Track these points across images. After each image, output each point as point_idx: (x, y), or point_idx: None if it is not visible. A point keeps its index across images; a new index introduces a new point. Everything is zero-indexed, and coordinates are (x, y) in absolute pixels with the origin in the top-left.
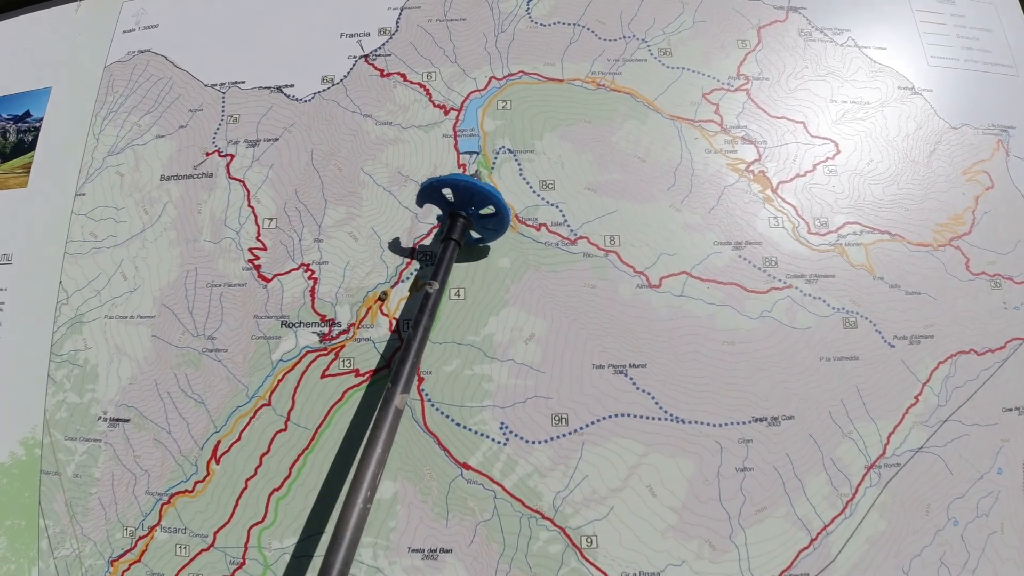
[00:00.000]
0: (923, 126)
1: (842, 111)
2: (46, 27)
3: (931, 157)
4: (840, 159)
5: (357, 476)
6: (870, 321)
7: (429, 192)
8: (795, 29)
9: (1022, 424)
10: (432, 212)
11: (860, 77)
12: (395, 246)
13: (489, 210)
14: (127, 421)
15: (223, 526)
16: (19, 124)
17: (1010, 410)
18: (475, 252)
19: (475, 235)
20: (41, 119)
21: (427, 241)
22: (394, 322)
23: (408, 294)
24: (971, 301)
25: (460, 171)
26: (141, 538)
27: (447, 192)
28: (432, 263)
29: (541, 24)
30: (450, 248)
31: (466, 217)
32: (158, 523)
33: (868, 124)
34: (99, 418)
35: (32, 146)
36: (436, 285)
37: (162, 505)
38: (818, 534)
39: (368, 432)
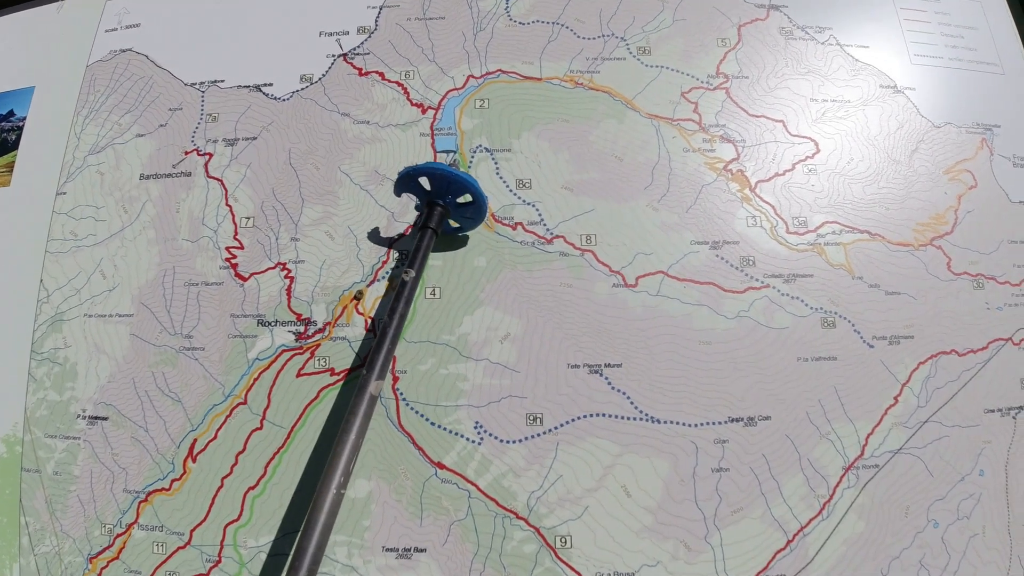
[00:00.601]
0: (905, 125)
1: (822, 110)
2: (28, 27)
3: (913, 156)
4: (820, 158)
5: (331, 462)
6: (849, 321)
7: (406, 181)
8: (776, 27)
9: (1005, 425)
10: (409, 211)
11: (841, 76)
12: (371, 245)
13: (466, 199)
14: (105, 419)
15: (199, 524)
16: (3, 123)
17: (992, 411)
18: (454, 242)
19: (453, 224)
20: (24, 118)
21: (404, 240)
22: (370, 321)
23: (384, 293)
24: (953, 301)
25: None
26: (119, 535)
27: (424, 181)
28: (402, 262)
29: (520, 22)
30: (427, 236)
31: (443, 206)
32: (135, 521)
33: (849, 123)
34: (78, 416)
35: (15, 145)
36: (412, 273)
37: (139, 503)
38: (795, 535)
39: (343, 419)
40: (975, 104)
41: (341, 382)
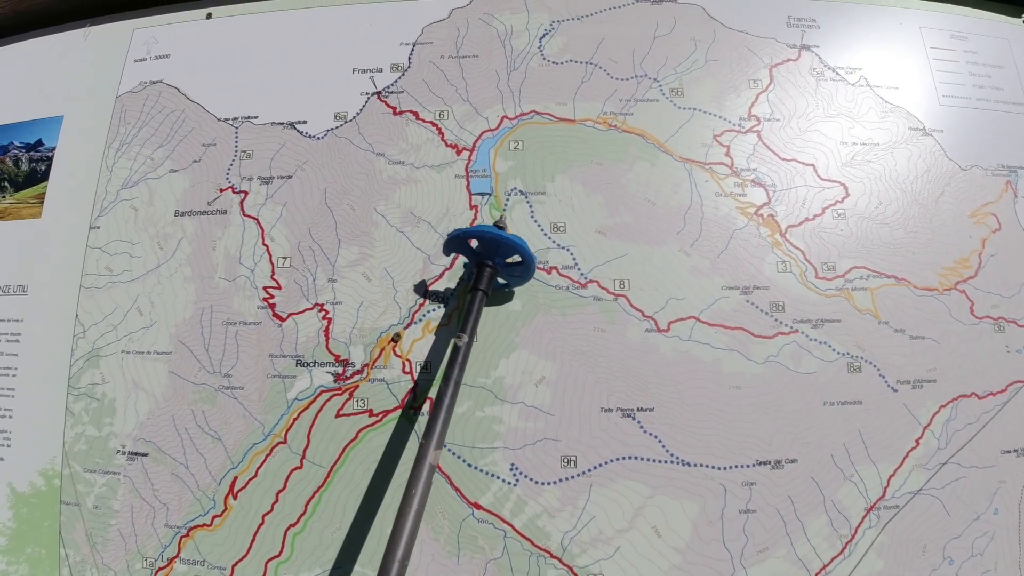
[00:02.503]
0: (932, 168)
1: (852, 153)
2: (56, 53)
3: (939, 200)
4: (849, 202)
5: (394, 534)
6: (874, 366)
7: (456, 242)
8: (807, 68)
9: (1020, 466)
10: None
11: (871, 118)
12: (408, 287)
13: (515, 259)
14: (145, 455)
15: (241, 559)
16: (32, 153)
17: (1008, 452)
18: (500, 297)
19: (501, 281)
20: (54, 148)
21: (440, 283)
22: (407, 363)
23: (421, 336)
24: (974, 345)
25: (473, 212)
26: (160, 569)
27: (472, 242)
28: (443, 304)
29: (553, 62)
30: (478, 298)
31: (492, 266)
32: (177, 555)
33: (878, 166)
34: (117, 451)
35: (45, 176)
36: (465, 338)
37: (181, 538)
38: (817, 574)
39: (404, 490)
40: (1000, 145)
41: (380, 423)
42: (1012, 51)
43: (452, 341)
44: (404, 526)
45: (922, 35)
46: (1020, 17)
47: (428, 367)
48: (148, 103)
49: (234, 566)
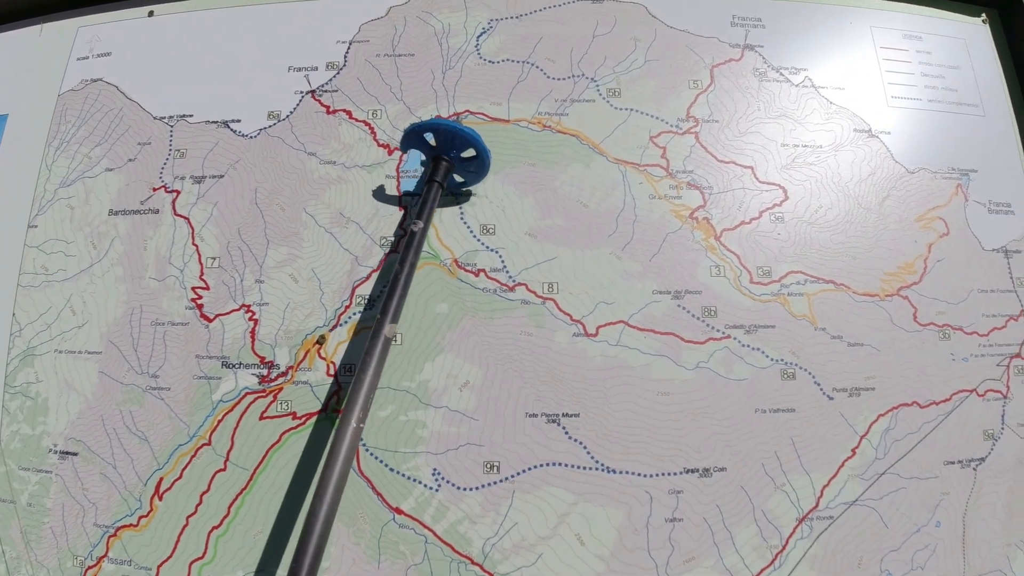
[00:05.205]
0: (877, 171)
1: (793, 155)
2: (4, 52)
3: (884, 203)
4: (788, 206)
5: (350, 398)
6: (809, 373)
7: (412, 137)
8: (750, 68)
9: (965, 477)
10: (373, 255)
11: (815, 119)
12: (334, 289)
13: (470, 153)
14: (75, 455)
15: (166, 560)
16: None
17: (953, 463)
18: (458, 197)
19: (458, 179)
20: None
21: (366, 285)
22: (331, 366)
23: (347, 338)
24: (917, 352)
25: (402, 213)
26: (90, 568)
27: (429, 137)
28: (369, 306)
29: (490, 61)
30: (433, 189)
31: (448, 160)
32: (105, 554)
33: (819, 169)
34: (50, 450)
35: None
36: (420, 224)
37: (109, 537)
38: None
39: (360, 359)
40: (952, 148)
41: (303, 426)
42: (969, 51)
43: (408, 227)
44: (360, 392)
45: (873, 35)
46: (979, 16)
47: (352, 370)
48: (88, 101)
49: (159, 567)
